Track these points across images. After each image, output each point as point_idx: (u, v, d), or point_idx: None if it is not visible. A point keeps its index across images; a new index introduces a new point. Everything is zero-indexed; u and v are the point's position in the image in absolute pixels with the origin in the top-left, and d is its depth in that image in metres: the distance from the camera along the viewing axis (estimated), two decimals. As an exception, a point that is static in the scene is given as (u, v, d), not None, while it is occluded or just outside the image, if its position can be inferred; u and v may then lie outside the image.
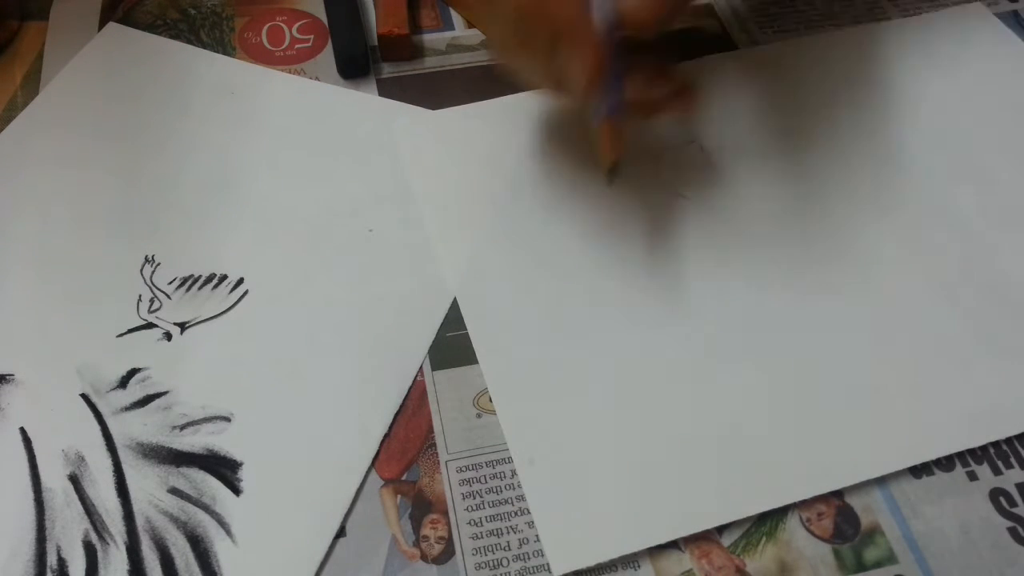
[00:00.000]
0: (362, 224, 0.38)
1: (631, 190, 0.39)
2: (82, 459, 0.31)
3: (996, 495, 0.31)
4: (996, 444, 0.32)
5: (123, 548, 0.29)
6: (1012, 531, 0.30)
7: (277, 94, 0.43)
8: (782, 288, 0.36)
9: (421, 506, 0.31)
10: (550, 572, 0.29)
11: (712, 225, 0.38)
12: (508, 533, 0.30)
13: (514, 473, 0.31)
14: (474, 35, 0.46)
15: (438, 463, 0.32)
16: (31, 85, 0.42)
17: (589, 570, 0.29)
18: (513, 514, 0.30)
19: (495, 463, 0.31)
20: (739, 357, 0.34)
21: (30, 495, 0.30)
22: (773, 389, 0.33)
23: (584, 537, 0.29)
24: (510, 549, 0.30)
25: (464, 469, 0.31)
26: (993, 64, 0.44)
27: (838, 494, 0.31)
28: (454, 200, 0.39)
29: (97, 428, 0.31)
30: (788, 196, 0.39)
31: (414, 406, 0.33)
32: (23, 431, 0.31)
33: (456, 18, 0.47)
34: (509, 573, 0.29)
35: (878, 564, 0.29)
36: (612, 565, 0.29)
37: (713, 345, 0.34)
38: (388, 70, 0.44)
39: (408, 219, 0.38)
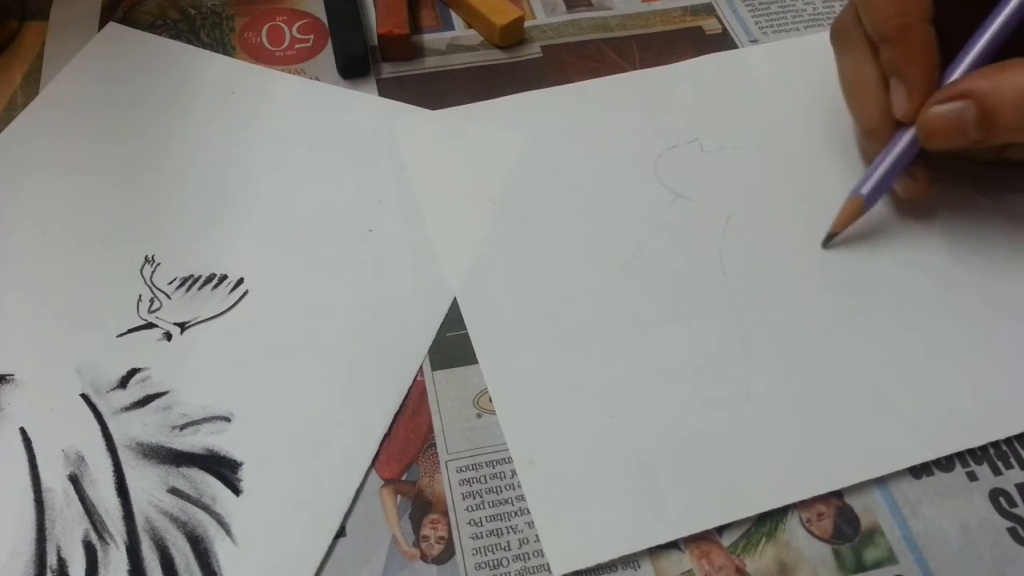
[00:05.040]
0: (362, 224, 0.38)
1: (632, 190, 0.39)
2: (82, 459, 0.31)
3: (996, 495, 0.31)
4: (996, 444, 0.32)
5: (123, 548, 0.29)
6: (1012, 531, 0.30)
7: (277, 94, 0.43)
8: (782, 288, 0.36)
9: (421, 506, 0.31)
10: (550, 572, 0.29)
11: (712, 225, 0.38)
12: (508, 533, 0.30)
13: (514, 473, 0.31)
14: (474, 35, 0.46)
15: (438, 463, 0.32)
16: (31, 85, 0.42)
17: (589, 570, 0.29)
18: (513, 514, 0.30)
19: (495, 463, 0.31)
20: (739, 357, 0.34)
21: (30, 495, 0.30)
22: (773, 389, 0.33)
23: (584, 537, 0.29)
24: (510, 549, 0.30)
25: (464, 469, 0.31)
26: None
27: (838, 494, 0.31)
28: (454, 201, 0.39)
29: (97, 428, 0.31)
30: (788, 196, 0.39)
31: (414, 406, 0.33)
32: (23, 431, 0.31)
33: (456, 18, 0.47)
34: (509, 573, 0.29)
35: (878, 564, 0.29)
36: (612, 565, 0.29)
37: (713, 345, 0.34)
38: (388, 70, 0.44)
39: (408, 219, 0.38)
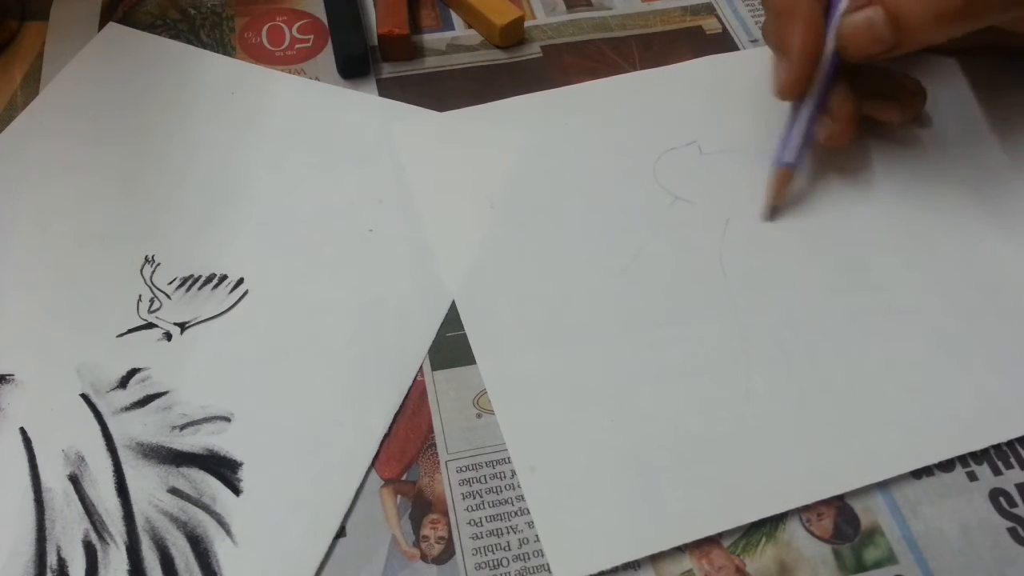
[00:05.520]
0: (362, 224, 0.38)
1: (631, 192, 0.39)
2: (82, 459, 0.31)
3: (996, 495, 0.31)
4: (996, 445, 0.32)
5: (123, 548, 0.29)
6: (1012, 531, 0.30)
7: (277, 94, 0.43)
8: (782, 290, 0.36)
9: (421, 506, 0.31)
10: (550, 572, 0.29)
11: (712, 227, 0.38)
12: (508, 533, 0.30)
13: (514, 473, 0.31)
14: (474, 35, 0.46)
15: (438, 463, 0.32)
16: (31, 85, 0.42)
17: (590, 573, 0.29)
18: (513, 514, 0.30)
19: (495, 463, 0.31)
20: (739, 359, 0.34)
21: (30, 495, 0.30)
22: (773, 391, 0.33)
23: (587, 544, 0.29)
24: (510, 549, 0.30)
25: (464, 469, 0.31)
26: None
27: (838, 495, 0.31)
28: (453, 203, 0.38)
29: (97, 428, 0.31)
30: (788, 196, 0.39)
31: (414, 406, 0.33)
32: (23, 431, 0.31)
33: (456, 18, 0.47)
34: (509, 573, 0.29)
35: (878, 564, 0.29)
36: (612, 567, 0.29)
37: (713, 347, 0.34)
38: (388, 70, 0.44)
39: (408, 219, 0.38)
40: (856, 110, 0.37)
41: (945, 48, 0.39)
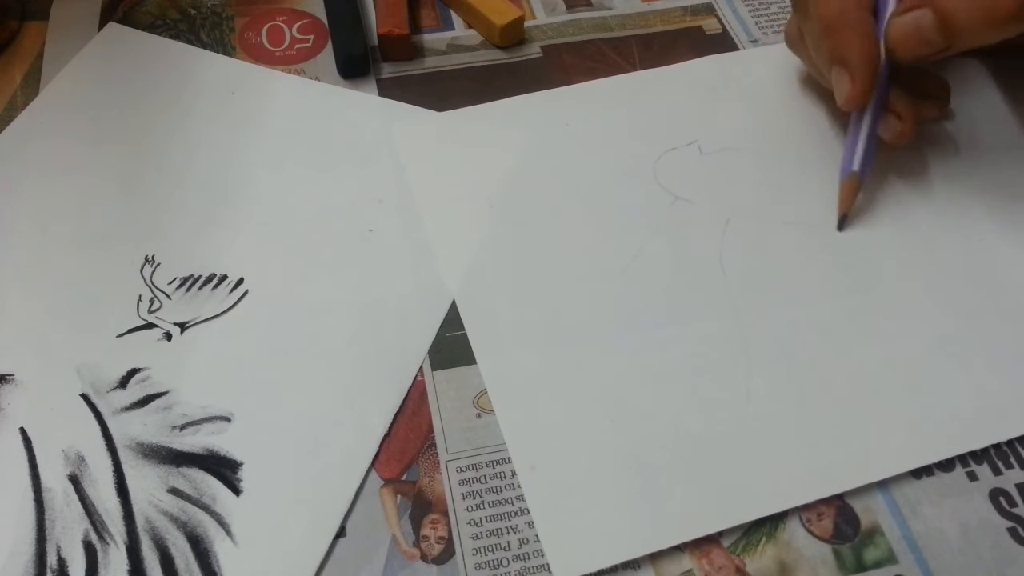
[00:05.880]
0: (362, 224, 0.38)
1: (631, 192, 0.39)
2: (82, 459, 0.31)
3: (996, 495, 0.31)
4: (996, 444, 0.32)
5: (123, 548, 0.29)
6: (1012, 531, 0.30)
7: (277, 94, 0.43)
8: (782, 290, 0.36)
9: (421, 506, 0.31)
10: (550, 572, 0.29)
11: (712, 227, 0.38)
12: (508, 533, 0.30)
13: (514, 473, 0.31)
14: (474, 35, 0.46)
15: (438, 463, 0.32)
16: (31, 85, 0.42)
17: (590, 572, 0.29)
18: (513, 514, 0.30)
19: (495, 463, 0.31)
20: (740, 359, 0.34)
21: (30, 495, 0.30)
22: (774, 391, 0.33)
23: (587, 543, 0.29)
24: (510, 549, 0.30)
25: (464, 469, 0.31)
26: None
27: (838, 495, 0.31)
28: (453, 203, 0.38)
29: (97, 428, 0.31)
30: (787, 197, 0.39)
31: (414, 406, 0.33)
32: (23, 431, 0.31)
33: (456, 18, 0.47)
34: (509, 573, 0.29)
35: (878, 564, 0.29)
36: (612, 566, 0.29)
37: (713, 347, 0.34)
38: (388, 70, 0.44)
39: (408, 219, 0.38)
40: (915, 106, 0.37)
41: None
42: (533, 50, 0.45)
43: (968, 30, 0.33)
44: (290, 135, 0.41)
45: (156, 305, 0.35)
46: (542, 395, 0.33)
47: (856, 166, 0.37)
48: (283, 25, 0.46)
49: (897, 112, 0.37)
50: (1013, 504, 0.31)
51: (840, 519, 0.30)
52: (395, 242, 0.37)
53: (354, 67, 0.43)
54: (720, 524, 0.30)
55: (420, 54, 0.45)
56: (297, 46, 0.45)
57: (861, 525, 0.30)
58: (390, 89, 0.43)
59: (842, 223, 0.37)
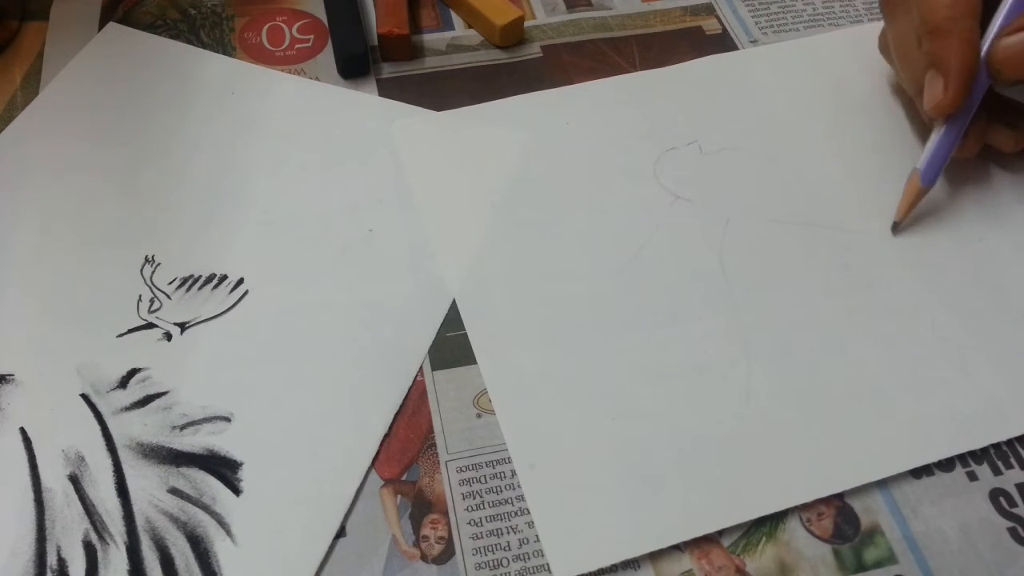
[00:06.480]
0: (362, 224, 0.38)
1: (631, 192, 0.39)
2: (82, 459, 0.31)
3: (996, 495, 0.31)
4: (996, 444, 0.32)
5: (123, 548, 0.29)
6: (1012, 531, 0.30)
7: (277, 94, 0.43)
8: (782, 290, 0.36)
9: (421, 506, 0.31)
10: (550, 572, 0.29)
11: (712, 227, 0.38)
12: (508, 533, 0.30)
13: (514, 473, 0.31)
14: (474, 35, 0.46)
15: (438, 463, 0.32)
16: (31, 85, 0.42)
17: (590, 571, 0.29)
18: (513, 514, 0.30)
19: (495, 463, 0.31)
20: (739, 359, 0.34)
21: (30, 495, 0.30)
22: (773, 391, 0.33)
23: (586, 541, 0.29)
24: (510, 549, 0.30)
25: (464, 469, 0.31)
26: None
27: (838, 494, 0.31)
28: (453, 202, 0.38)
29: (97, 428, 0.31)
30: (788, 197, 0.39)
31: (414, 406, 0.33)
32: (23, 431, 0.31)
33: (456, 18, 0.47)
34: (509, 573, 0.29)
35: (878, 564, 0.29)
36: (612, 566, 0.29)
37: (713, 347, 0.34)
38: (388, 70, 0.44)
39: (408, 219, 0.38)
40: (986, 124, 0.37)
41: None
42: (533, 50, 0.45)
43: None
44: (290, 135, 0.41)
45: (156, 305, 0.35)
46: (542, 395, 0.33)
47: (931, 177, 0.36)
48: (283, 25, 0.46)
49: (1010, 122, 0.36)
50: (1013, 504, 0.31)
51: (840, 519, 0.30)
52: (395, 242, 0.37)
53: (354, 67, 0.43)
54: (720, 523, 0.30)
55: (420, 54, 0.45)
56: (297, 46, 0.45)
57: (861, 525, 0.30)
58: (390, 89, 0.43)
59: (896, 227, 0.37)
